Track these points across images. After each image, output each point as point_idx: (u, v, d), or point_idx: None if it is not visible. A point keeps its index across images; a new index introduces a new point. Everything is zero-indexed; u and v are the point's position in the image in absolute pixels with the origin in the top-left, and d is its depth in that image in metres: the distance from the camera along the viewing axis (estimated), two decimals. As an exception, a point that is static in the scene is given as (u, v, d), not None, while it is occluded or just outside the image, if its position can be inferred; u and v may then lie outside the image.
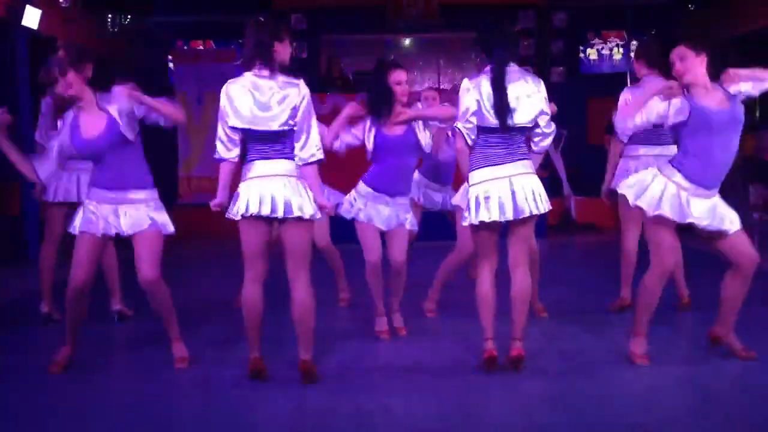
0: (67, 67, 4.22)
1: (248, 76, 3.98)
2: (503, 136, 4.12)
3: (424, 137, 4.98)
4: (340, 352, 4.68)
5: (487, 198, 4.11)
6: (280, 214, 3.94)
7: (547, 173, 10.87)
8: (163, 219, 4.38)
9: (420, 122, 4.96)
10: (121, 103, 4.24)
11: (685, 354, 4.62)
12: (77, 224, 4.31)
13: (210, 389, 4.09)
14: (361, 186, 5.01)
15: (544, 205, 4.17)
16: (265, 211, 3.93)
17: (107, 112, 4.25)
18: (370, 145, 4.91)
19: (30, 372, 4.43)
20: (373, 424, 3.59)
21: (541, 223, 9.78)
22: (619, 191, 4.39)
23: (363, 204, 4.96)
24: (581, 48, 12.14)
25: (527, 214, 4.12)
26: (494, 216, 4.10)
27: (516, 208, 4.09)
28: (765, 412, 3.67)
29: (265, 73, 3.97)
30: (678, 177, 4.15)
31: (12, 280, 7.33)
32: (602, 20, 12.04)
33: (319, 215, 4.06)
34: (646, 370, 4.27)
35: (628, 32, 11.99)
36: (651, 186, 4.20)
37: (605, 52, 12.17)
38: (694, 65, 4.12)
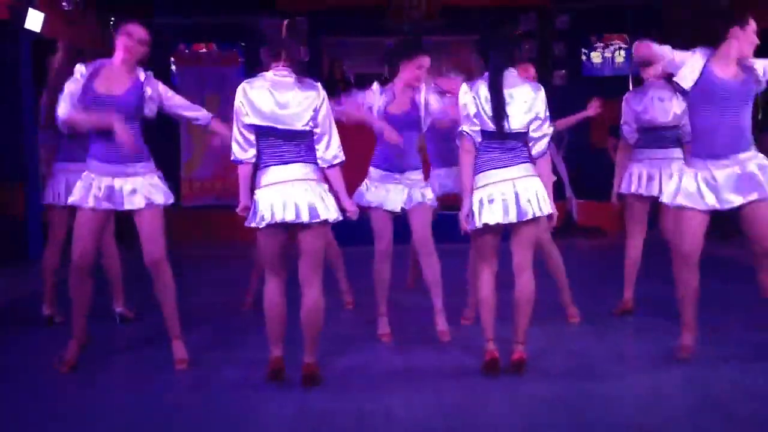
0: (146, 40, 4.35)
1: (267, 76, 3.98)
2: (501, 140, 4.13)
3: (426, 116, 4.95)
4: (342, 354, 4.67)
5: (491, 200, 4.11)
6: (305, 219, 3.89)
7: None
8: (163, 190, 4.37)
9: (424, 102, 4.92)
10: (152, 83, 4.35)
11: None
12: (75, 197, 4.30)
13: (211, 390, 4.09)
14: (371, 171, 4.98)
15: (547, 207, 4.18)
16: (290, 217, 3.88)
17: (137, 76, 4.31)
18: (375, 112, 4.87)
19: (31, 373, 4.43)
20: (375, 425, 3.58)
21: (542, 225, 9.78)
22: (667, 202, 4.32)
23: (374, 188, 4.92)
24: (583, 50, 12.14)
25: (530, 216, 4.12)
26: (498, 218, 4.09)
27: (519, 210, 4.09)
28: (766, 414, 3.66)
29: (286, 73, 3.98)
30: (695, 161, 4.17)
31: (13, 280, 7.33)
32: (604, 23, 12.04)
33: (340, 217, 4.04)
34: (648, 371, 4.27)
35: (630, 35, 11.98)
36: (672, 181, 4.26)
37: (607, 54, 12.16)
38: (742, 37, 4.11)
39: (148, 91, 4.33)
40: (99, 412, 3.83)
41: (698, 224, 4.20)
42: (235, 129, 3.99)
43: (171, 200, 4.42)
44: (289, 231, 4.01)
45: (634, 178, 5.49)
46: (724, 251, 7.05)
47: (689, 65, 4.13)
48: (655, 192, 5.36)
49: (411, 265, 6.48)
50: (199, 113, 4.53)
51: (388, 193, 4.90)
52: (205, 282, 7.53)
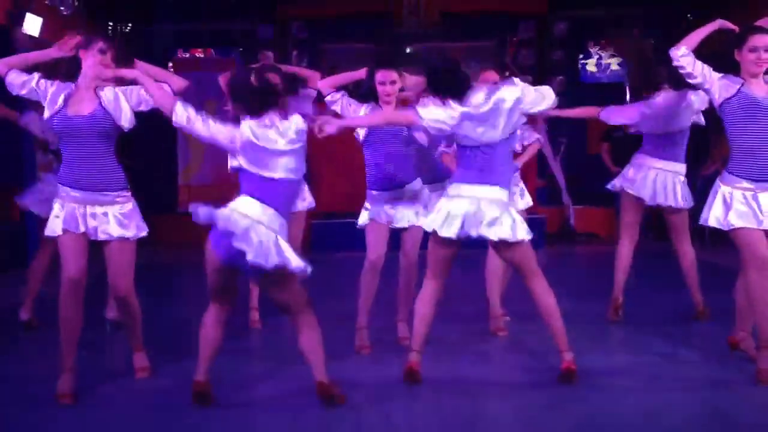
0: (114, 52, 4.12)
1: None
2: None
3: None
4: (340, 362, 4.65)
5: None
6: (270, 264, 3.61)
7: (546, 182, 10.92)
8: (135, 222, 4.19)
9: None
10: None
11: (686, 364, 4.60)
12: (48, 230, 4.14)
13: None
14: (371, 193, 4.91)
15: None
16: (257, 259, 3.60)
17: (100, 98, 4.11)
18: (362, 132, 4.83)
19: (30, 379, 4.42)
20: (374, 433, 3.59)
21: (539, 231, 9.84)
22: (708, 224, 4.23)
23: (377, 208, 4.86)
24: (581, 57, 12.18)
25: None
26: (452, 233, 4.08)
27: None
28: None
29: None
30: (741, 182, 4.11)
31: (12, 286, 7.31)
32: (602, 30, 12.09)
33: (300, 266, 3.70)
34: (649, 379, 4.26)
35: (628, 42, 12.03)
36: (714, 203, 4.17)
37: (605, 61, 12.21)
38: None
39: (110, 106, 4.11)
40: (97, 419, 3.83)
41: (760, 235, 4.09)
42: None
43: (144, 232, 4.21)
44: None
45: (648, 183, 5.50)
46: (723, 260, 7.05)
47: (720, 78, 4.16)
48: (662, 201, 5.42)
49: None
50: (164, 86, 4.14)
51: (396, 211, 4.85)
52: (201, 291, 7.51)
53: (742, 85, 4.11)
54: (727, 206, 4.11)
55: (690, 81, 4.27)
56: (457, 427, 3.65)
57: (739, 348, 4.44)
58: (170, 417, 3.83)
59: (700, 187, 8.81)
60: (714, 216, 4.16)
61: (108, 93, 4.13)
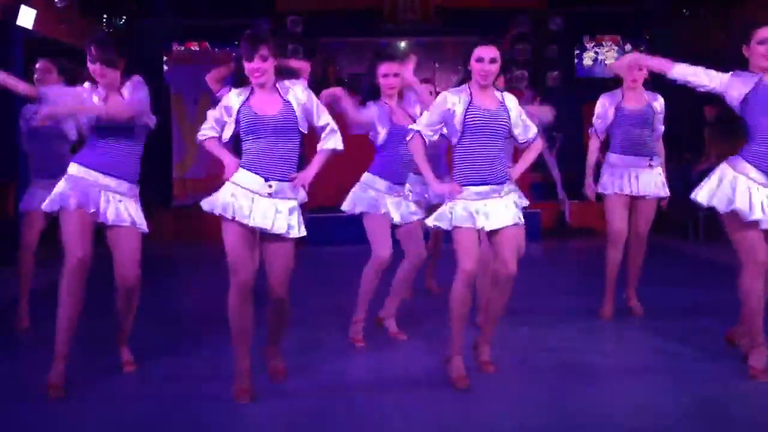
0: (106, 59, 4.15)
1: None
2: None
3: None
4: (333, 357, 4.66)
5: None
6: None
7: (541, 177, 10.93)
8: (141, 218, 4.27)
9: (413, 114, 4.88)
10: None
11: (680, 359, 4.61)
12: (52, 203, 4.10)
13: (201, 396, 4.03)
14: (369, 177, 4.86)
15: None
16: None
17: (122, 96, 4.18)
18: (382, 133, 4.80)
19: (23, 372, 4.42)
20: (367, 428, 3.59)
21: (535, 226, 9.85)
22: (698, 199, 4.17)
23: (375, 195, 4.81)
24: (577, 52, 12.18)
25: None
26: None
27: None
28: (761, 419, 3.67)
29: None
30: (752, 171, 4.03)
31: (6, 282, 7.29)
32: (598, 25, 12.09)
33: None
34: (641, 374, 4.28)
35: (623, 37, 12.04)
36: (722, 184, 4.08)
37: (600, 56, 12.22)
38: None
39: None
40: (89, 412, 3.83)
41: (759, 235, 4.05)
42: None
43: (145, 230, 4.28)
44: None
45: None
46: (718, 256, 7.08)
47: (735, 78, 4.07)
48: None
49: (428, 270, 6.48)
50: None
51: (394, 207, 4.82)
52: (198, 284, 7.51)
53: (760, 78, 4.01)
54: (732, 189, 4.02)
55: (702, 90, 4.12)
56: (452, 421, 3.66)
57: (736, 344, 4.44)
58: (162, 409, 3.83)
59: (695, 182, 8.85)
60: (708, 193, 4.10)
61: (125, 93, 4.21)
